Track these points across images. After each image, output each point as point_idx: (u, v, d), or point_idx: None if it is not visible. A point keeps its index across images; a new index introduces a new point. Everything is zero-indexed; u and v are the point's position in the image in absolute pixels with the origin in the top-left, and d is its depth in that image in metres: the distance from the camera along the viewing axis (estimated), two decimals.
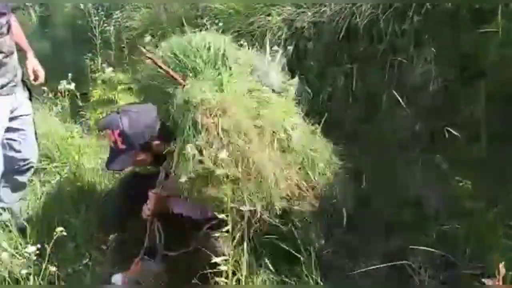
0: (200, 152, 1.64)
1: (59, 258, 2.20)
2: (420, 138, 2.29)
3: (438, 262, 1.83)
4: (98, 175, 2.75)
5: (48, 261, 1.66)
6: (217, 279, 1.67)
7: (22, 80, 2.41)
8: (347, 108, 2.47)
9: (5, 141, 2.32)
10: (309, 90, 2.42)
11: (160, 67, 1.85)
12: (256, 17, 2.86)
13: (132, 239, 2.14)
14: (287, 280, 1.84)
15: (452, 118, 2.19)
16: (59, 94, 2.94)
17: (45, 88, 3.03)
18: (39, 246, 1.51)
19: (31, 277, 1.54)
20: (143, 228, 2.06)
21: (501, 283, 1.24)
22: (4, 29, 2.21)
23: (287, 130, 1.82)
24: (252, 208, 1.67)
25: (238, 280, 1.69)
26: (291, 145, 1.83)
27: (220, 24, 3.01)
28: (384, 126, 2.39)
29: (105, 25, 3.74)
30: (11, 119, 2.30)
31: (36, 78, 2.46)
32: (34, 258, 1.49)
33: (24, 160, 2.42)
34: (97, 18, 3.76)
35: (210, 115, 1.70)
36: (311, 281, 1.79)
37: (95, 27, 3.71)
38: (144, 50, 1.97)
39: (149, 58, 1.89)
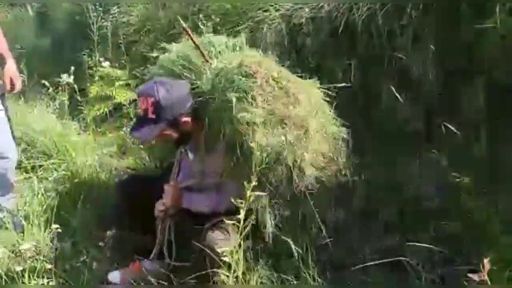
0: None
1: (57, 255, 2.20)
2: (419, 134, 2.29)
3: (436, 259, 1.83)
4: (96, 172, 2.75)
5: (44, 258, 1.66)
6: (219, 272, 1.69)
7: None
8: (345, 103, 2.45)
9: None
10: None
11: (194, 42, 1.92)
12: (253, 13, 2.84)
13: (130, 238, 2.14)
14: (284, 276, 1.84)
15: (451, 114, 2.19)
16: (59, 88, 2.92)
17: (45, 82, 3.02)
18: (34, 243, 1.50)
19: (26, 274, 1.53)
20: (142, 227, 2.07)
21: (486, 277, 1.24)
22: None
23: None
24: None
25: (236, 277, 1.69)
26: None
27: (217, 20, 3.00)
28: (382, 122, 2.39)
29: (103, 20, 3.72)
30: None
31: (12, 89, 2.40)
32: (29, 255, 1.48)
33: (2, 158, 2.40)
34: (95, 14, 3.74)
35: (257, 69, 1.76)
36: (308, 277, 1.78)
37: (92, 23, 3.69)
38: (184, 25, 1.99)
39: (186, 31, 1.94)
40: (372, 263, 1.81)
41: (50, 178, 2.78)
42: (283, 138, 1.71)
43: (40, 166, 2.88)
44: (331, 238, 1.92)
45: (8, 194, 2.50)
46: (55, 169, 2.84)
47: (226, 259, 1.61)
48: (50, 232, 1.48)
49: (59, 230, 1.47)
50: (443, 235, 1.89)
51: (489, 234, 1.77)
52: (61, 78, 2.80)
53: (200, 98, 1.85)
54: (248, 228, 1.61)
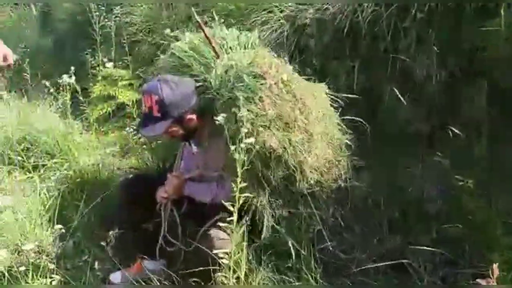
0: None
1: (59, 254, 2.21)
2: (422, 136, 2.28)
3: (438, 261, 1.83)
4: (98, 172, 2.76)
5: (47, 257, 1.66)
6: (218, 274, 1.69)
7: None
8: (349, 105, 2.45)
9: None
10: None
11: (206, 36, 1.92)
12: (257, 14, 2.84)
13: (132, 237, 2.15)
14: (286, 278, 1.84)
15: (454, 115, 2.18)
16: (60, 88, 2.92)
17: (47, 83, 3.03)
18: (37, 243, 1.50)
19: (30, 274, 1.53)
20: (143, 227, 2.07)
21: (495, 283, 1.24)
22: None
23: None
24: None
25: (238, 278, 1.69)
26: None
27: (221, 20, 2.99)
28: (385, 123, 2.38)
29: (106, 20, 3.72)
30: None
31: (5, 59, 2.39)
32: (32, 255, 1.48)
33: None
34: (97, 13, 3.74)
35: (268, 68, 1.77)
36: (310, 278, 1.78)
37: (95, 23, 3.70)
38: (198, 18, 1.98)
39: (199, 24, 1.94)
40: (373, 265, 1.82)
41: (52, 178, 2.79)
42: (287, 141, 1.71)
43: (43, 165, 2.88)
44: (332, 242, 1.92)
45: None
46: (58, 169, 2.85)
47: (225, 261, 1.61)
48: (53, 232, 1.48)
49: (63, 230, 1.47)
50: (445, 237, 1.88)
51: (492, 237, 1.77)
52: (61, 78, 2.79)
53: (207, 94, 1.86)
54: (243, 228, 1.62)
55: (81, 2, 4.08)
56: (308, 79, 2.00)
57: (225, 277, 1.70)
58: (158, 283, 1.95)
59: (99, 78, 3.60)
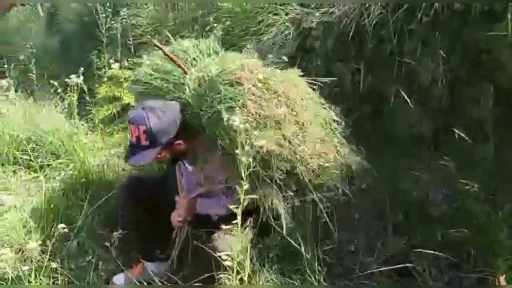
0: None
1: (63, 254, 2.21)
2: (427, 139, 2.28)
3: (442, 265, 1.82)
4: (103, 172, 2.76)
5: (50, 257, 1.67)
6: (222, 275, 1.69)
7: None
8: (354, 108, 2.45)
9: None
10: None
11: (168, 56, 1.93)
12: (263, 16, 2.85)
13: (135, 238, 2.15)
14: (290, 280, 1.84)
15: (460, 118, 2.18)
16: (68, 89, 2.93)
17: (55, 83, 3.04)
18: (40, 242, 1.51)
19: (33, 274, 1.53)
20: (147, 227, 2.08)
21: None
22: None
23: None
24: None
25: (241, 279, 1.69)
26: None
27: (227, 23, 3.01)
28: (391, 126, 2.38)
29: (112, 22, 3.74)
30: None
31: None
32: (36, 254, 1.48)
33: None
34: (104, 15, 3.76)
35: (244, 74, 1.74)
36: (314, 281, 1.78)
37: (101, 24, 3.72)
38: (155, 41, 2.04)
39: (158, 47, 1.97)
40: (377, 269, 1.81)
41: (57, 178, 2.80)
42: (281, 138, 1.71)
43: (48, 165, 2.89)
44: (335, 245, 1.92)
45: None
46: (63, 169, 2.86)
47: (228, 263, 1.61)
48: (57, 231, 1.48)
49: (66, 229, 1.47)
50: (450, 241, 1.88)
51: (496, 241, 1.76)
52: (70, 78, 2.80)
53: (189, 112, 1.85)
54: (247, 230, 1.62)
55: (89, 2, 4.09)
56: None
57: (229, 278, 1.70)
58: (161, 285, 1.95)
59: (105, 79, 3.61)
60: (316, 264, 1.80)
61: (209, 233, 1.83)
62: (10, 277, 1.83)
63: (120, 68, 3.57)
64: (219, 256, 1.66)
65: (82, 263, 2.22)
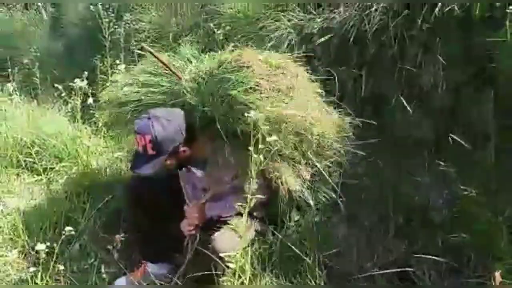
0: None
1: (65, 257, 2.23)
2: (428, 144, 2.29)
3: (442, 270, 1.83)
4: (106, 176, 2.78)
5: (56, 259, 1.68)
6: (222, 279, 1.70)
7: None
8: (355, 113, 2.47)
9: None
10: None
11: (161, 62, 1.98)
12: (265, 22, 2.87)
13: (138, 240, 2.17)
14: (289, 284, 1.85)
15: (461, 124, 2.19)
16: (73, 93, 2.96)
17: (59, 86, 3.06)
18: (48, 244, 1.53)
19: (39, 275, 1.55)
20: (150, 229, 2.09)
21: None
22: None
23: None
24: None
25: (242, 283, 1.70)
26: None
27: (228, 28, 3.03)
28: (392, 131, 2.40)
29: (115, 27, 3.77)
30: None
31: None
32: (44, 256, 1.49)
33: None
34: (107, 19, 3.79)
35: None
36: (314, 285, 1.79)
37: (104, 29, 3.74)
38: (146, 47, 2.08)
39: (151, 53, 2.01)
40: (377, 272, 1.82)
41: (60, 181, 2.82)
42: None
43: (51, 168, 2.91)
44: (338, 248, 1.94)
45: None
46: (66, 172, 2.88)
47: (230, 265, 1.62)
48: (64, 233, 1.50)
49: (73, 232, 1.49)
50: (450, 246, 1.89)
51: (497, 246, 1.77)
52: (74, 82, 2.83)
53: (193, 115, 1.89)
54: (252, 231, 1.63)
55: (94, 1, 4.10)
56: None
57: (230, 281, 1.72)
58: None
59: (108, 83, 3.63)
60: (316, 267, 1.81)
61: (208, 234, 1.85)
62: (12, 280, 1.86)
63: (123, 72, 3.58)
64: (219, 257, 1.68)
65: (84, 266, 2.24)
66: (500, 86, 2.09)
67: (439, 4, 2.20)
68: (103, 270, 2.09)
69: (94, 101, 3.07)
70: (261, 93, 1.77)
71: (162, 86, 2.03)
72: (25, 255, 2.25)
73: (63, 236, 1.47)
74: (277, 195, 1.89)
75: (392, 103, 2.36)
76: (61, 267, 1.47)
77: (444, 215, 1.99)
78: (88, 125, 3.36)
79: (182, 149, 1.87)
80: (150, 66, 2.12)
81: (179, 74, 1.98)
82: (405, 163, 2.25)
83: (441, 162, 2.07)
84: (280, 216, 1.98)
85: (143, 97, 2.04)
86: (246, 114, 1.58)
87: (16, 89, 3.55)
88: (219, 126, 1.81)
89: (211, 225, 1.92)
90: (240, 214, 1.63)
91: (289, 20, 2.79)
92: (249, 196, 1.47)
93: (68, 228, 1.44)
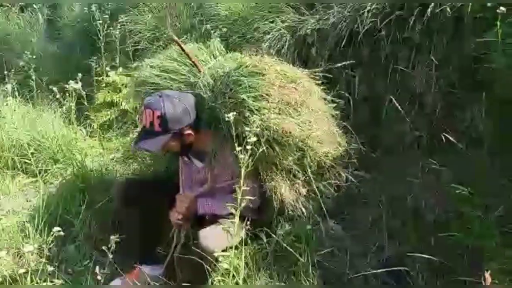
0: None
1: (60, 258, 2.23)
2: (421, 145, 2.30)
3: (436, 269, 1.83)
4: (101, 177, 2.78)
5: (47, 261, 1.68)
6: (219, 279, 1.71)
7: None
8: (349, 114, 2.48)
9: None
10: None
11: (185, 52, 2.03)
12: (259, 24, 2.88)
13: (131, 242, 2.16)
14: (284, 284, 1.86)
15: (454, 125, 2.20)
16: (67, 94, 2.97)
17: (54, 88, 3.07)
18: (36, 245, 1.52)
19: (28, 277, 1.55)
20: (143, 231, 2.09)
21: None
22: None
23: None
24: None
25: (236, 283, 1.71)
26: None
27: (224, 29, 3.04)
28: (386, 131, 2.41)
29: (111, 28, 3.78)
30: None
31: None
32: (32, 256, 1.49)
33: None
34: (101, 21, 3.80)
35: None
36: (308, 285, 1.80)
37: (99, 31, 3.75)
38: (173, 35, 2.14)
39: (177, 42, 2.06)
40: (371, 271, 1.83)
41: (56, 182, 2.82)
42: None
43: (47, 170, 2.91)
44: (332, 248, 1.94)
45: None
46: (61, 174, 2.88)
47: (222, 262, 1.63)
48: (53, 234, 1.50)
49: (62, 233, 1.49)
50: (444, 246, 1.89)
51: (489, 246, 1.78)
52: (68, 84, 2.84)
53: (206, 106, 1.91)
54: (243, 233, 1.64)
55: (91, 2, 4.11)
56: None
57: (224, 281, 1.72)
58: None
59: (103, 85, 3.64)
60: (310, 267, 1.82)
61: (196, 231, 1.86)
62: (7, 280, 1.86)
63: (119, 74, 3.60)
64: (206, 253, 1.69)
65: (79, 267, 2.24)
66: (492, 87, 2.10)
67: (431, 5, 2.21)
68: (97, 272, 2.09)
69: (89, 103, 3.08)
70: (269, 102, 1.78)
71: (183, 75, 2.07)
72: (20, 256, 2.25)
73: (52, 237, 1.47)
74: (270, 202, 1.90)
75: (386, 104, 2.36)
76: (51, 268, 1.45)
77: (437, 214, 1.99)
78: (83, 126, 3.37)
79: (187, 132, 1.88)
80: (176, 54, 2.17)
81: (200, 66, 2.02)
82: (399, 164, 2.25)
83: (434, 162, 2.08)
84: (273, 222, 1.98)
85: (161, 82, 2.08)
86: (226, 114, 1.59)
87: (12, 91, 3.55)
88: (223, 125, 1.84)
89: (204, 222, 1.93)
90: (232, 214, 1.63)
91: (283, 21, 2.80)
92: (239, 197, 1.48)
93: (56, 229, 1.43)
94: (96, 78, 3.73)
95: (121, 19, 3.87)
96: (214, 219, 1.90)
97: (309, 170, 1.89)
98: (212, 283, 1.75)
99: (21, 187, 2.88)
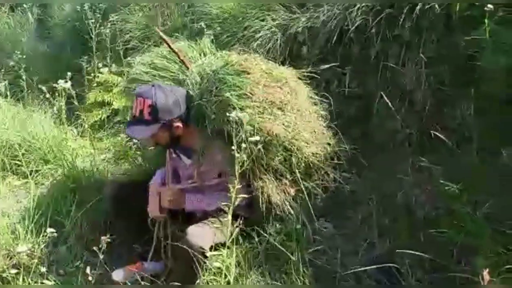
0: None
1: (52, 259, 2.22)
2: (411, 142, 2.31)
3: (426, 265, 1.84)
4: (92, 178, 2.77)
5: (39, 261, 1.68)
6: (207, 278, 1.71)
7: None
8: (340, 111, 2.48)
9: None
10: None
11: (173, 50, 2.05)
12: (250, 22, 2.88)
13: (122, 242, 2.16)
14: (276, 283, 1.86)
15: (443, 122, 2.21)
16: (56, 94, 2.95)
17: (43, 87, 3.05)
18: (29, 245, 1.52)
19: (20, 277, 1.55)
20: (133, 231, 2.09)
21: None
22: None
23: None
24: None
25: (228, 282, 1.71)
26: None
27: (218, 28, 3.04)
28: (376, 129, 2.41)
29: (101, 27, 3.76)
30: None
31: None
32: (25, 257, 1.49)
33: None
34: (93, 20, 3.78)
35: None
36: (299, 283, 1.80)
37: (91, 30, 3.73)
38: (161, 33, 2.13)
39: (163, 39, 2.07)
40: (361, 268, 1.83)
41: (46, 183, 2.80)
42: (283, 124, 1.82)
43: (37, 171, 2.89)
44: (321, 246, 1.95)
45: None
46: (52, 175, 2.86)
47: (213, 261, 1.63)
48: (45, 236, 1.50)
49: (55, 234, 1.49)
50: (434, 242, 1.90)
51: (479, 241, 1.79)
52: (58, 83, 2.82)
53: (193, 102, 1.92)
54: (237, 230, 1.65)
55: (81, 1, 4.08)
56: None
57: (216, 280, 1.72)
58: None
59: (94, 84, 3.63)
60: (301, 266, 1.82)
61: (182, 227, 1.87)
62: None
63: (110, 73, 3.58)
64: (195, 250, 1.69)
65: (70, 268, 2.23)
66: (481, 84, 2.11)
67: (420, 3, 2.22)
68: (88, 272, 2.08)
69: (80, 102, 3.06)
70: (253, 101, 1.79)
71: (172, 72, 2.10)
72: (11, 258, 2.24)
73: (45, 238, 1.47)
74: (259, 200, 1.90)
75: (376, 101, 2.37)
76: (43, 269, 1.45)
77: (427, 211, 2.00)
78: (74, 126, 3.35)
79: (176, 124, 1.89)
80: (166, 52, 2.19)
81: (188, 63, 2.04)
82: (389, 161, 2.26)
83: (424, 159, 2.09)
84: (263, 220, 1.99)
85: (151, 79, 2.10)
86: (227, 114, 1.58)
87: (1, 91, 3.53)
88: (207, 122, 1.86)
89: (194, 219, 1.93)
90: (224, 211, 1.63)
91: (273, 20, 2.80)
92: (233, 196, 1.48)
93: (50, 230, 1.43)
94: (87, 77, 3.71)
95: (112, 18, 3.85)
96: (204, 216, 1.91)
97: (297, 170, 1.89)
98: (203, 282, 1.75)
99: (12, 188, 2.85)
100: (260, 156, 1.78)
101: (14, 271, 1.60)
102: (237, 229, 1.71)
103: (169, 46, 2.08)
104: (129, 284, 2.06)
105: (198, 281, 1.77)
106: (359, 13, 2.38)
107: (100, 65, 3.59)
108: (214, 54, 2.18)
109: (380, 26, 2.35)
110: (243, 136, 1.51)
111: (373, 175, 2.23)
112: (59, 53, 4.51)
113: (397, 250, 1.85)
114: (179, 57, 2.06)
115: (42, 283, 1.86)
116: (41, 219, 2.38)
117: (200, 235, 1.78)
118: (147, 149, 2.81)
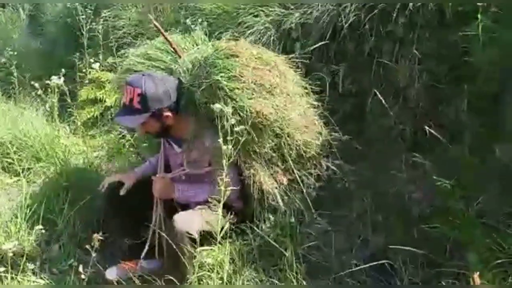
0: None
1: (44, 257, 2.20)
2: (405, 138, 2.31)
3: (419, 262, 1.85)
4: (85, 175, 2.75)
5: (31, 260, 1.66)
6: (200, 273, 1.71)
7: None
8: (334, 108, 2.48)
9: None
10: None
11: (165, 37, 2.08)
12: (243, 18, 2.86)
13: (116, 240, 2.15)
14: (271, 279, 1.85)
15: (437, 119, 2.21)
16: (49, 90, 2.92)
17: (36, 84, 3.02)
18: (16, 243, 1.50)
19: (9, 276, 1.53)
20: (128, 230, 2.08)
21: None
22: None
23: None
24: None
25: (221, 279, 1.70)
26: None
27: (210, 23, 3.02)
28: (370, 125, 2.41)
29: (93, 24, 3.73)
30: None
31: None
32: (11, 254, 1.47)
33: None
34: (84, 16, 3.75)
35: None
36: (293, 279, 1.80)
37: (82, 26, 3.70)
38: (154, 22, 2.17)
39: (157, 28, 2.10)
40: (356, 265, 1.83)
41: (39, 181, 2.78)
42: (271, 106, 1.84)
43: (29, 169, 2.87)
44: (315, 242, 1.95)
45: None
46: (44, 172, 2.84)
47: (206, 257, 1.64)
48: (35, 232, 1.48)
49: (43, 231, 1.47)
50: (427, 238, 1.91)
51: (471, 237, 1.79)
52: (50, 80, 2.79)
53: (184, 87, 1.95)
54: (227, 226, 1.65)
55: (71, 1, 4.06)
56: None
57: (209, 277, 1.72)
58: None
59: (87, 81, 3.60)
60: (294, 262, 1.82)
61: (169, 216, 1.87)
62: None
63: (102, 70, 3.55)
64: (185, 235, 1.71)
65: (63, 266, 2.21)
66: (474, 80, 2.11)
67: None
68: (81, 271, 2.07)
69: (72, 100, 3.04)
70: (243, 83, 1.81)
71: (165, 62, 2.12)
72: (2, 257, 2.22)
73: (37, 236, 1.45)
74: (250, 190, 1.91)
75: (370, 98, 2.37)
76: (31, 267, 1.44)
77: (421, 207, 2.00)
78: (66, 124, 3.33)
79: (166, 113, 1.89)
80: (160, 43, 2.21)
81: (180, 52, 2.06)
82: (383, 157, 2.26)
83: (417, 156, 2.09)
84: (256, 214, 1.98)
85: (144, 69, 2.11)
86: (211, 106, 1.58)
87: None
88: (198, 107, 1.89)
89: (187, 209, 1.94)
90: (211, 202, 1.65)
91: (267, 16, 2.79)
92: (223, 188, 1.48)
93: (38, 227, 1.41)
94: (79, 74, 3.68)
95: (104, 14, 3.82)
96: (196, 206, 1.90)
97: (289, 158, 1.89)
98: (196, 278, 1.74)
99: (3, 187, 2.83)
100: (250, 140, 1.79)
101: (2, 269, 1.58)
102: (227, 224, 1.71)
103: (162, 34, 2.09)
104: (123, 282, 2.05)
105: (189, 276, 1.76)
106: (352, 9, 2.37)
107: (92, 60, 3.56)
108: (206, 44, 2.18)
109: (373, 22, 2.34)
110: (228, 128, 1.50)
111: (366, 171, 2.23)
112: (51, 49, 4.48)
113: (391, 246, 1.85)
114: (171, 45, 2.07)
115: (35, 281, 1.84)
116: (33, 218, 2.36)
117: (187, 220, 1.80)
118: (141, 146, 2.80)
